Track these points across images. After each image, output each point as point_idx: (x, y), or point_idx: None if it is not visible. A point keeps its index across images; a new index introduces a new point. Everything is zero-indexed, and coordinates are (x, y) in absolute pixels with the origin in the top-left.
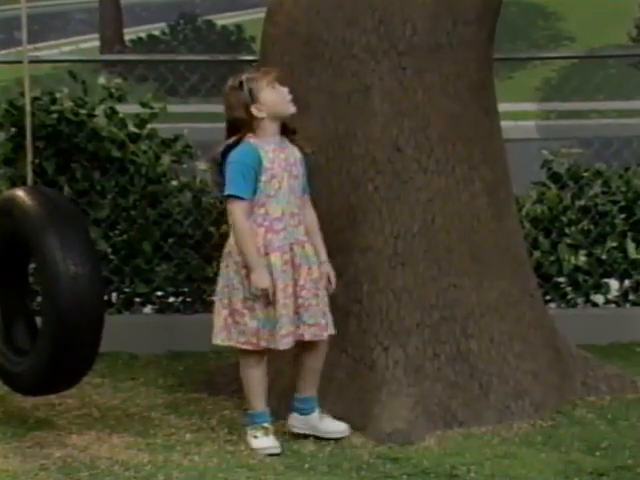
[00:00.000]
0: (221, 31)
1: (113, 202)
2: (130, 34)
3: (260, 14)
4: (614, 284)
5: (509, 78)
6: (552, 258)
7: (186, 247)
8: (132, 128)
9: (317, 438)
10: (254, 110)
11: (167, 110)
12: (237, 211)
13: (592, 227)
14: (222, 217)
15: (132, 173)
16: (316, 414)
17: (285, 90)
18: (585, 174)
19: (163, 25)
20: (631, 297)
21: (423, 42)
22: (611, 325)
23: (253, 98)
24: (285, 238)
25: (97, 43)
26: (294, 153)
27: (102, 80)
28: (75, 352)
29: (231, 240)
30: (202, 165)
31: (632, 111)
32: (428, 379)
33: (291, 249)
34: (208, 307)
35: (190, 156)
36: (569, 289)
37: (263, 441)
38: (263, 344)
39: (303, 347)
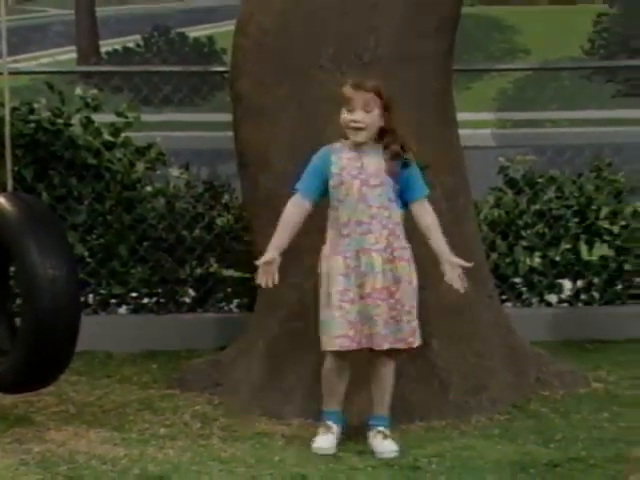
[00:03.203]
0: (193, 43)
1: (90, 208)
2: (106, 46)
3: (231, 27)
4: (567, 284)
5: (467, 88)
6: (508, 260)
7: (160, 250)
8: (107, 137)
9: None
10: None
11: (141, 119)
12: (290, 200)
13: (547, 230)
14: (194, 221)
15: (108, 180)
16: (374, 430)
17: (349, 118)
18: (540, 180)
19: (137, 37)
20: (583, 297)
21: (387, 53)
22: (564, 324)
23: None
24: (349, 244)
25: (74, 55)
26: (381, 161)
27: (79, 91)
28: (53, 351)
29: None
30: (175, 171)
31: (584, 120)
32: None
33: (357, 257)
34: (180, 308)
35: (163, 163)
36: (524, 289)
37: (317, 439)
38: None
39: (376, 357)
